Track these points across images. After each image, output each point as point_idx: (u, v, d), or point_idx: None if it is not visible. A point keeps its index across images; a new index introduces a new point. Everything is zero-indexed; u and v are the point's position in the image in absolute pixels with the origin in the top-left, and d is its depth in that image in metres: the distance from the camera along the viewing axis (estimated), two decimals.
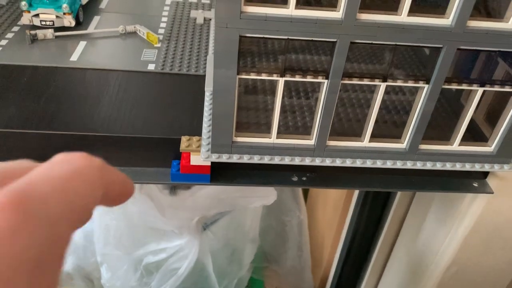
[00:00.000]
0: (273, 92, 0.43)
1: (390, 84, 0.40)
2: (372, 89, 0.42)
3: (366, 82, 0.40)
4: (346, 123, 0.45)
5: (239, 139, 0.43)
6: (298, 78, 0.39)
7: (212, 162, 0.45)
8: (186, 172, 0.45)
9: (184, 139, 0.44)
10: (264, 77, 0.39)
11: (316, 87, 0.45)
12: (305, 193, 1.34)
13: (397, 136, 0.45)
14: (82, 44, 0.58)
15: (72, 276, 1.24)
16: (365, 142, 0.44)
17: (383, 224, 0.70)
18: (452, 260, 0.63)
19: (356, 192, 0.98)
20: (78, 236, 1.19)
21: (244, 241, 1.10)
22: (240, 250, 1.12)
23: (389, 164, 0.45)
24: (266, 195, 0.64)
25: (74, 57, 0.55)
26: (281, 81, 0.39)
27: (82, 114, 0.47)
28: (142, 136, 0.45)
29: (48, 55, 0.55)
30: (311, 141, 0.44)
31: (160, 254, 0.95)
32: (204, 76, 0.54)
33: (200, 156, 0.43)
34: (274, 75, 0.39)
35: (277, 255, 1.25)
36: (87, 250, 1.19)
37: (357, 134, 0.45)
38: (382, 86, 0.40)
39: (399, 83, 0.40)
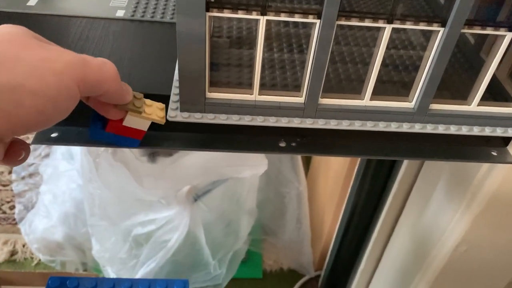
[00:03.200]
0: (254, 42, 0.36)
1: (397, 26, 0.33)
2: (374, 35, 0.34)
3: (367, 23, 0.32)
4: (343, 79, 0.37)
5: (214, 95, 0.36)
6: (283, 17, 0.32)
7: (185, 123, 0.38)
8: (112, 131, 0.35)
9: None
10: (240, 15, 0.31)
11: (306, 34, 0.37)
12: (306, 164, 1.28)
13: (403, 94, 0.38)
14: None
15: (63, 245, 1.20)
16: (366, 101, 0.37)
17: (386, 197, 0.63)
18: (461, 238, 0.57)
19: (359, 162, 0.91)
20: (69, 205, 1.15)
21: (240, 212, 1.05)
22: (236, 222, 1.06)
23: (393, 127, 0.37)
24: (256, 164, 0.58)
25: (32, 2, 0.48)
26: (262, 21, 0.32)
27: None
28: None
29: None
30: (300, 99, 0.36)
31: (148, 225, 0.90)
32: None
33: (168, 115, 0.36)
34: (254, 12, 0.31)
35: (276, 227, 1.20)
36: (78, 219, 1.15)
37: (356, 91, 0.37)
38: (387, 28, 0.33)
39: (408, 25, 0.33)
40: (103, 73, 0.29)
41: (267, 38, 0.41)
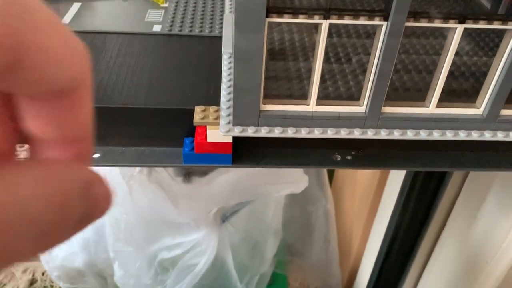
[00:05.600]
0: (309, 50, 0.34)
1: (470, 26, 0.30)
2: (442, 36, 0.32)
3: (437, 24, 0.30)
4: (406, 84, 0.35)
5: (269, 107, 0.34)
6: (347, 20, 0.29)
7: (233, 139, 0.36)
8: (202, 151, 0.36)
9: (198, 109, 0.35)
10: (301, 19, 0.29)
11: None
12: (330, 179, 1.25)
13: (470, 99, 0.35)
14: (76, 5, 0.49)
15: (84, 273, 1.17)
16: (431, 108, 0.34)
17: (433, 213, 0.60)
18: None
19: (393, 177, 0.88)
20: (89, 230, 1.12)
21: (266, 233, 1.02)
22: (262, 243, 1.03)
23: (462, 136, 0.35)
24: (295, 181, 0.55)
25: (66, 20, 0.46)
26: (325, 25, 0.30)
27: None
28: (146, 107, 0.36)
29: None
30: (361, 108, 0.34)
31: (175, 249, 0.87)
32: (220, 37, 0.45)
33: (219, 129, 0.34)
34: (316, 16, 0.29)
35: (302, 247, 1.16)
36: (99, 245, 1.12)
37: (420, 98, 0.35)
38: (459, 29, 0.30)
39: (482, 25, 0.30)
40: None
41: (312, 47, 0.39)
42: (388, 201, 0.96)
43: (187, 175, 0.55)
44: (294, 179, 0.55)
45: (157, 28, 0.45)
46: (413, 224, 0.61)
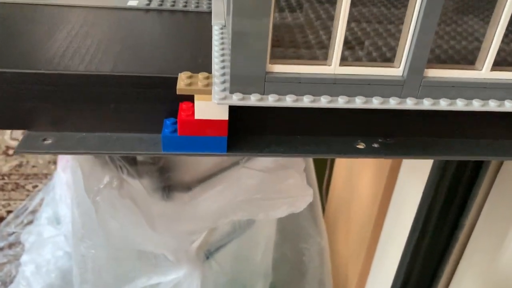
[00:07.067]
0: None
1: None
2: None
3: None
4: (451, 43, 0.28)
5: (278, 68, 0.26)
6: None
7: (229, 120, 0.28)
8: (188, 133, 0.27)
9: (183, 75, 0.27)
10: None
11: None
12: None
13: None
14: None
15: None
16: (485, 71, 0.27)
17: (454, 242, 0.51)
18: None
19: (395, 209, 0.80)
20: (54, 276, 0.99)
21: (254, 275, 0.91)
22: (250, 286, 0.92)
23: None
24: (297, 195, 0.46)
25: None
26: None
27: (21, 50, 0.29)
28: (114, 74, 0.27)
29: None
30: (397, 70, 0.26)
31: None
32: (209, 12, 0.37)
33: (212, 97, 0.25)
34: None
35: None
36: None
37: (468, 60, 0.27)
38: None
39: None
40: None
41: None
42: (390, 237, 0.87)
43: (167, 189, 0.46)
44: (295, 193, 0.46)
45: (133, 3, 0.38)
46: (428, 263, 0.52)
